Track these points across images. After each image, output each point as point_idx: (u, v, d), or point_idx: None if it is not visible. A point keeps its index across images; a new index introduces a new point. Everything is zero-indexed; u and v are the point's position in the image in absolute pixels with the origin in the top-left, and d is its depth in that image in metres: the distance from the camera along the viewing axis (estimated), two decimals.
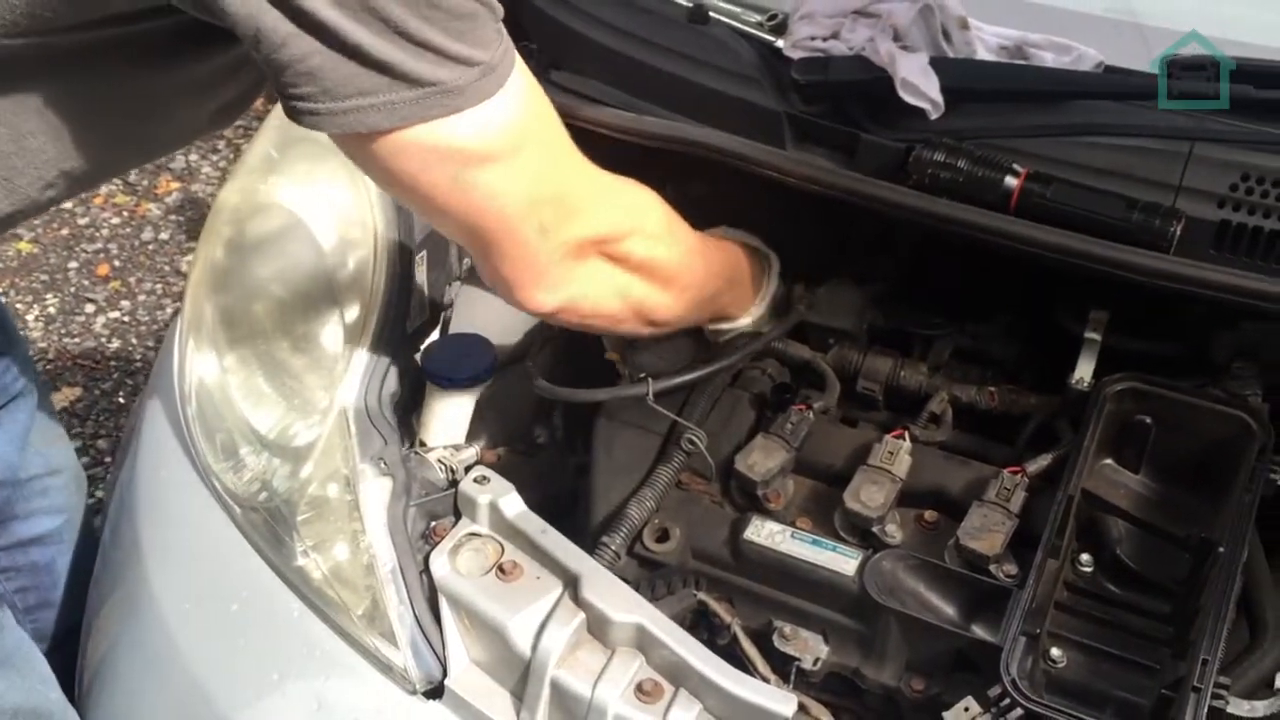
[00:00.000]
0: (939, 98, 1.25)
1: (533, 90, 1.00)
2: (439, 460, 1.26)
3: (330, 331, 1.33)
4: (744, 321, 1.41)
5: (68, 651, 1.71)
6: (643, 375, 1.34)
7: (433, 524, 1.20)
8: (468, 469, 1.24)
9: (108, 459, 2.74)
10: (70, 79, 1.03)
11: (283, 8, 0.84)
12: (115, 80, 1.04)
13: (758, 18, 1.42)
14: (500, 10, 0.93)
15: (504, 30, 0.94)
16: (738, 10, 1.43)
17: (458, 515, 1.21)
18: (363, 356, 1.29)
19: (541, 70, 1.45)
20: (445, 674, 1.13)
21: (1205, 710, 1.01)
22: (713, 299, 1.33)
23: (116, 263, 3.33)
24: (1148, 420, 1.25)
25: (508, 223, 1.02)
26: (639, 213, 1.16)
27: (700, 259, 1.26)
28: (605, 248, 1.11)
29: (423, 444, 1.34)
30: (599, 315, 1.18)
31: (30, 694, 1.40)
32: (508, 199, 1.00)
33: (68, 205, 3.52)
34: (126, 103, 1.08)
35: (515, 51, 0.96)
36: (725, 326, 1.41)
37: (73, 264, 3.31)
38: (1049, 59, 1.33)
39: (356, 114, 0.89)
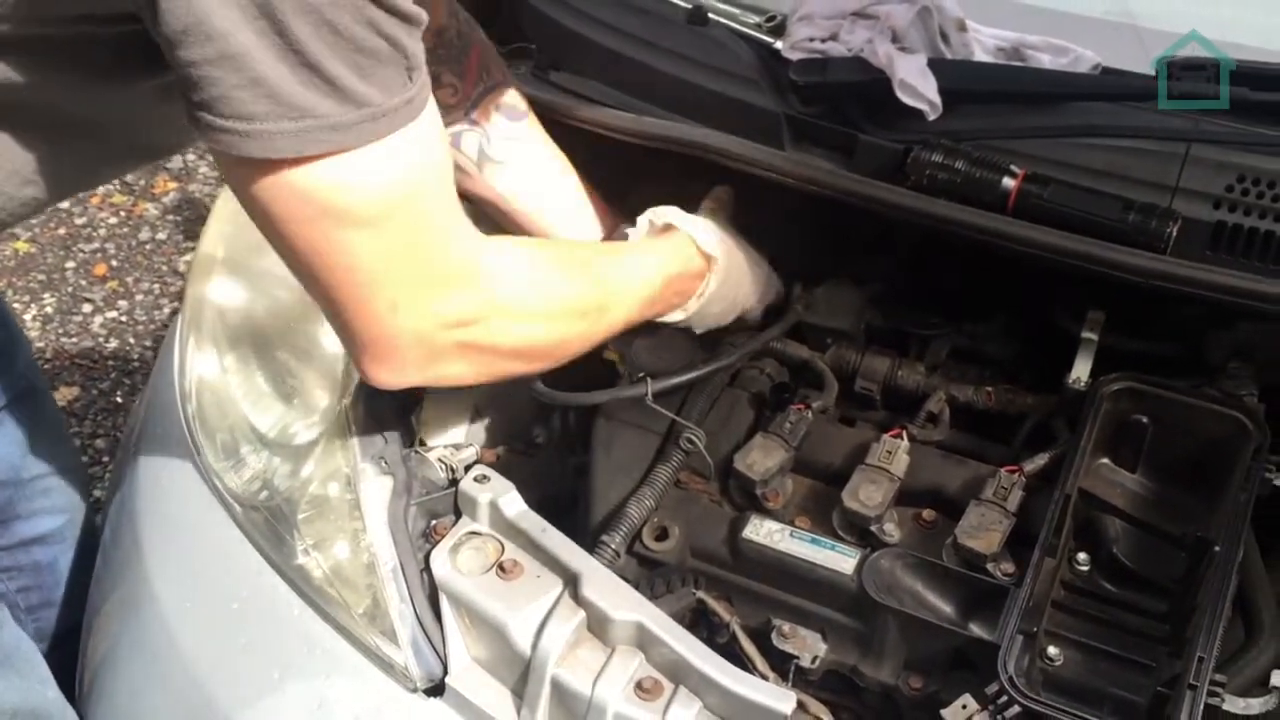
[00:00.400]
0: (937, 99, 1.26)
1: (426, 156, 0.92)
2: (439, 459, 1.27)
3: (331, 329, 1.33)
4: (674, 318, 1.32)
5: (69, 650, 1.71)
6: (641, 375, 1.34)
7: (433, 523, 1.21)
8: (468, 468, 1.24)
9: (105, 458, 2.74)
10: (44, 79, 0.97)
11: (186, 11, 0.79)
12: (93, 85, 1.00)
13: (756, 19, 1.42)
14: (412, 55, 0.86)
15: (413, 76, 0.87)
16: (736, 11, 1.44)
17: (458, 514, 1.21)
18: None
19: (541, 71, 1.46)
20: (446, 672, 1.13)
21: (1201, 707, 1.02)
22: (620, 324, 1.22)
23: (114, 262, 3.33)
24: (1144, 420, 1.26)
25: (358, 291, 0.94)
26: (507, 294, 1.05)
27: (583, 320, 1.16)
28: (461, 333, 1.02)
29: (423, 443, 1.34)
30: (460, 385, 1.13)
31: (29, 694, 1.40)
32: (363, 267, 0.92)
33: (65, 205, 3.51)
34: (105, 109, 1.04)
35: (423, 104, 0.89)
36: (667, 320, 1.33)
37: (70, 264, 3.31)
38: (1046, 61, 1.34)
39: (234, 135, 0.83)
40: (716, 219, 1.35)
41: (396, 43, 0.84)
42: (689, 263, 1.27)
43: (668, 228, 1.28)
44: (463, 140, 1.27)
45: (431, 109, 0.92)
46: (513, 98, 1.31)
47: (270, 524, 1.24)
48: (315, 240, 0.90)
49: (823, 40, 1.36)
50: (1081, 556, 1.23)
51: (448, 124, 1.25)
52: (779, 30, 1.40)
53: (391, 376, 1.02)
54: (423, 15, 0.86)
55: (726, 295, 1.33)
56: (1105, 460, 1.28)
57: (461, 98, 1.26)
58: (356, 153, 0.85)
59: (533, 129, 1.35)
